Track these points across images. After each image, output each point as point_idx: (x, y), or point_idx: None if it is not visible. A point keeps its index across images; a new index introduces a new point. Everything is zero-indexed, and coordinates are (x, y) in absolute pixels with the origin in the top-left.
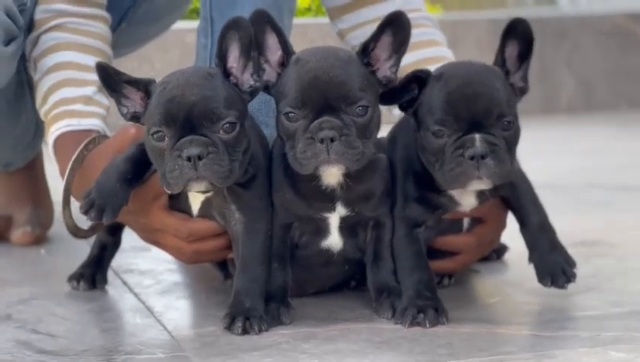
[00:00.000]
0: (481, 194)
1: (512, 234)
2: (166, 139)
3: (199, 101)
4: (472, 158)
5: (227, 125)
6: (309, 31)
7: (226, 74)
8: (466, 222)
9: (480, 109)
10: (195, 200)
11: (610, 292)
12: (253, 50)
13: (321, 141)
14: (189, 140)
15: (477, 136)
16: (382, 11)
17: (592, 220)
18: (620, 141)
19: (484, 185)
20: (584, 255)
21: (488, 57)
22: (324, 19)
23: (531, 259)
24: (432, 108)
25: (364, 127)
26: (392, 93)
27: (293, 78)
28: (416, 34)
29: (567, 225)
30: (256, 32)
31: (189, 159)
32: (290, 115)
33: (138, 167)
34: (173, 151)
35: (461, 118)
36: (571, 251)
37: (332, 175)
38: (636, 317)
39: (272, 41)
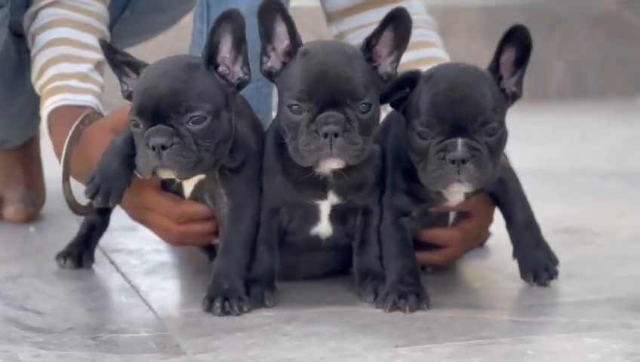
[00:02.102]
0: (467, 193)
1: (495, 221)
2: (140, 126)
3: (168, 93)
4: (452, 162)
5: (196, 117)
6: (303, 15)
7: (215, 65)
8: (452, 216)
9: (464, 114)
10: (188, 183)
11: (590, 279)
12: (244, 43)
13: (325, 135)
14: (156, 130)
15: (459, 140)
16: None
17: (577, 207)
18: (608, 128)
19: (464, 188)
20: (567, 242)
21: (479, 44)
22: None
23: (515, 255)
24: (419, 110)
25: (366, 124)
26: (384, 91)
27: (300, 70)
28: (414, 34)
29: (552, 212)
30: (265, 19)
31: (153, 148)
32: (294, 107)
33: None
34: (143, 139)
35: (445, 121)
36: (554, 238)
37: (331, 166)
38: (613, 304)
39: (280, 29)
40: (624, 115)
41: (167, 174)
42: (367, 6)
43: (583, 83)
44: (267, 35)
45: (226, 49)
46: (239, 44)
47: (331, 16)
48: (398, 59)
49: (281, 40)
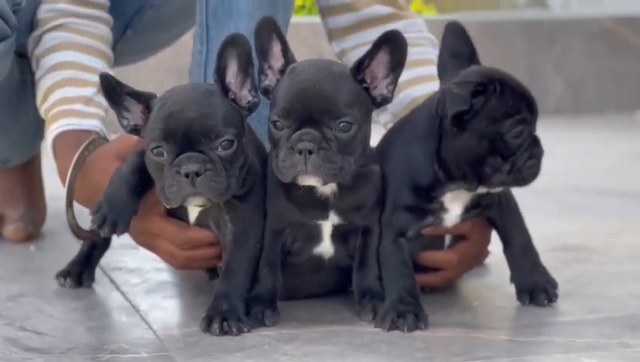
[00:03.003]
0: (468, 204)
1: (492, 239)
2: (165, 154)
3: (197, 118)
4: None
5: (225, 142)
6: (302, 30)
7: (225, 90)
8: (448, 238)
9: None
10: (193, 209)
11: (587, 298)
12: (251, 66)
13: (300, 152)
14: (188, 157)
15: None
16: None
17: (574, 225)
18: (606, 144)
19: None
20: (564, 260)
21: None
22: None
23: (512, 279)
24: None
25: (346, 143)
26: None
27: (285, 87)
28: (414, 52)
29: (549, 230)
30: (261, 38)
31: (187, 175)
32: (276, 123)
33: (145, 178)
34: (172, 167)
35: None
36: (551, 256)
37: (319, 186)
38: (611, 324)
39: (276, 48)
40: (622, 131)
41: (197, 201)
42: (369, 24)
43: (581, 99)
44: (264, 54)
45: (232, 74)
46: (246, 68)
47: (333, 34)
48: (394, 82)
49: (277, 58)
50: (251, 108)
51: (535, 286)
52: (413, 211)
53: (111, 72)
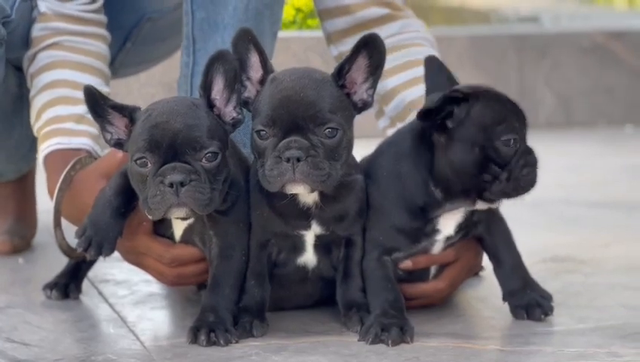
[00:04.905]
0: (461, 223)
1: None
2: (149, 165)
3: (183, 129)
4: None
5: (209, 154)
6: (292, 44)
7: (210, 105)
8: (433, 269)
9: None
10: (178, 226)
11: (576, 308)
12: (238, 83)
13: (287, 160)
14: (172, 167)
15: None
16: (385, 33)
17: (565, 236)
18: (597, 158)
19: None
20: (554, 270)
21: (469, 72)
22: (308, 33)
23: (505, 298)
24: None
25: (332, 149)
26: None
27: (267, 96)
28: (412, 52)
29: (539, 241)
30: (239, 49)
31: (171, 185)
32: (261, 132)
33: (129, 199)
34: (156, 177)
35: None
36: (542, 267)
37: (304, 194)
38: (600, 334)
39: (254, 59)
40: (612, 145)
41: (180, 213)
42: (366, 27)
43: (572, 113)
44: (242, 65)
45: (217, 89)
46: (232, 85)
47: (331, 38)
48: (374, 86)
49: (256, 69)
50: (235, 124)
51: (529, 302)
52: (407, 234)
53: (106, 89)
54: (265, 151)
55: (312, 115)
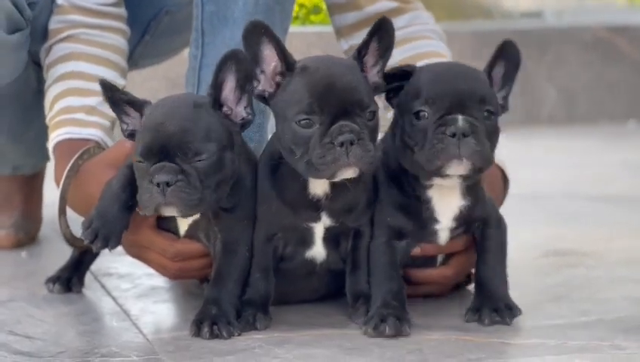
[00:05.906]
0: (457, 215)
1: None
2: (144, 162)
3: (176, 132)
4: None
5: (202, 158)
6: (295, 40)
7: (219, 104)
8: (439, 257)
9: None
10: (183, 221)
11: (579, 301)
12: (249, 83)
13: (341, 145)
14: (160, 166)
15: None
16: (394, 25)
17: (567, 230)
18: (599, 153)
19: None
20: (556, 264)
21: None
22: (311, 29)
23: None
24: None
25: (373, 131)
26: None
27: (305, 84)
28: (420, 45)
29: (541, 235)
30: (250, 42)
31: (158, 185)
32: (303, 121)
33: (135, 191)
34: (147, 176)
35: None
36: (543, 261)
37: (315, 185)
38: (602, 326)
39: (267, 51)
40: (615, 140)
41: (169, 211)
42: (375, 20)
43: (574, 108)
44: (255, 59)
45: (229, 89)
46: (243, 84)
47: (341, 32)
48: (383, 69)
49: (269, 62)
50: (244, 124)
51: (493, 307)
52: (404, 209)
53: (122, 82)
54: (309, 140)
55: (358, 99)
